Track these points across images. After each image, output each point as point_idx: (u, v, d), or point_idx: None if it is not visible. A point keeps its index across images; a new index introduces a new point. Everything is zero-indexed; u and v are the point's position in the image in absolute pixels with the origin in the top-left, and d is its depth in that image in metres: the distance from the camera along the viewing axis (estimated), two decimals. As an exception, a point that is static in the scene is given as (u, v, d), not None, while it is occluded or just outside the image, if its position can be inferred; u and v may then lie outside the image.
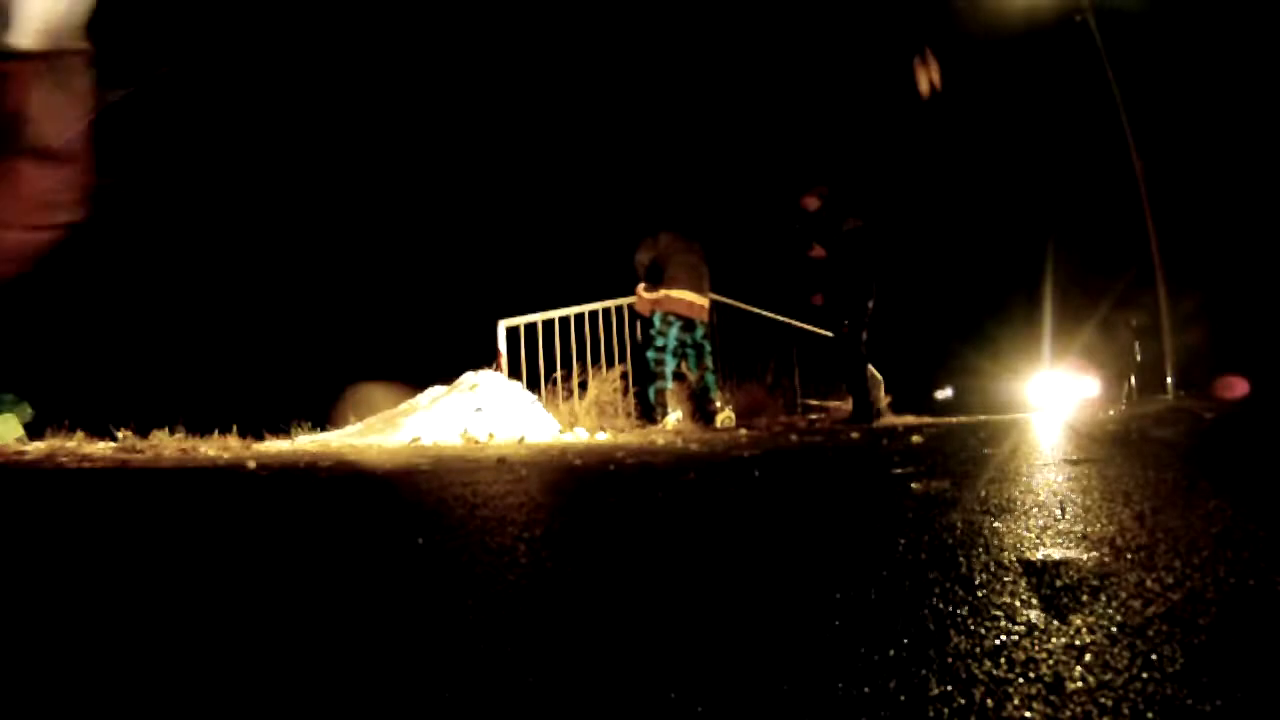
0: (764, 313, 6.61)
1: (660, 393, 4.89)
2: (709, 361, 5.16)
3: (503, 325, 4.55)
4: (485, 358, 4.36)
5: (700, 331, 5.09)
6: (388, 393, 3.95)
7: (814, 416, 5.78)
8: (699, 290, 5.05)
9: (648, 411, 4.96)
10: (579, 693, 0.46)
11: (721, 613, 0.63)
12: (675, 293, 4.92)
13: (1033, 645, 0.52)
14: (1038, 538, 0.88)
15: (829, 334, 5.49)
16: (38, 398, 3.16)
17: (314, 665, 0.52)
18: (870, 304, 5.06)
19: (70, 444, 2.69)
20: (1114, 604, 0.61)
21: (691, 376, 5.15)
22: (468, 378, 3.90)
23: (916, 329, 5.24)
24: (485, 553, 0.86)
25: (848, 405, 5.57)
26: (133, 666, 0.52)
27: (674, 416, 4.88)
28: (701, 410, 5.13)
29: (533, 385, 4.43)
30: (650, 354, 4.95)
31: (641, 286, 5.02)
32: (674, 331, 4.95)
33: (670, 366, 4.95)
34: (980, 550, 0.82)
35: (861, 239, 5.06)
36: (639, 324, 5.45)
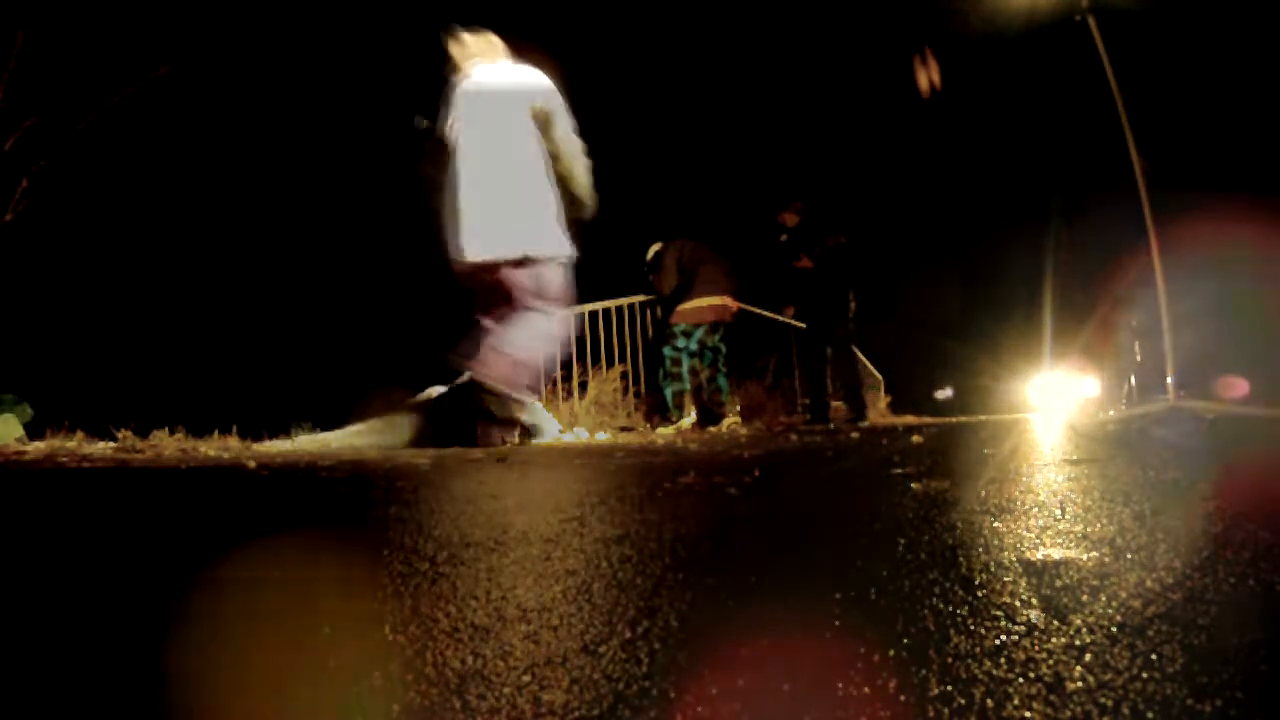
0: (764, 313, 6.61)
1: (679, 394, 4.89)
2: (723, 364, 5.18)
3: (502, 325, 4.54)
4: (485, 358, 4.35)
5: (722, 333, 5.11)
6: (388, 393, 3.95)
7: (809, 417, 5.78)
8: (729, 291, 5.08)
9: (660, 408, 4.96)
10: (578, 691, 0.46)
11: (721, 613, 0.63)
12: (715, 300, 4.96)
13: (1033, 645, 0.52)
14: (1038, 538, 0.88)
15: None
16: (38, 398, 3.16)
17: (312, 665, 0.52)
18: (852, 310, 5.32)
19: (70, 444, 2.69)
20: (1114, 604, 0.61)
21: (703, 376, 5.15)
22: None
23: (917, 329, 5.24)
24: (485, 552, 0.86)
25: (843, 404, 5.60)
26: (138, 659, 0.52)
27: (689, 419, 4.88)
28: (705, 411, 5.12)
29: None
30: (669, 351, 4.93)
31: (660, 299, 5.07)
32: (699, 333, 4.95)
33: (686, 366, 4.95)
34: (980, 550, 0.82)
35: (843, 253, 5.29)
36: (651, 317, 5.47)
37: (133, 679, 0.50)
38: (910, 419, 6.55)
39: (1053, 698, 0.44)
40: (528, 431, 2.92)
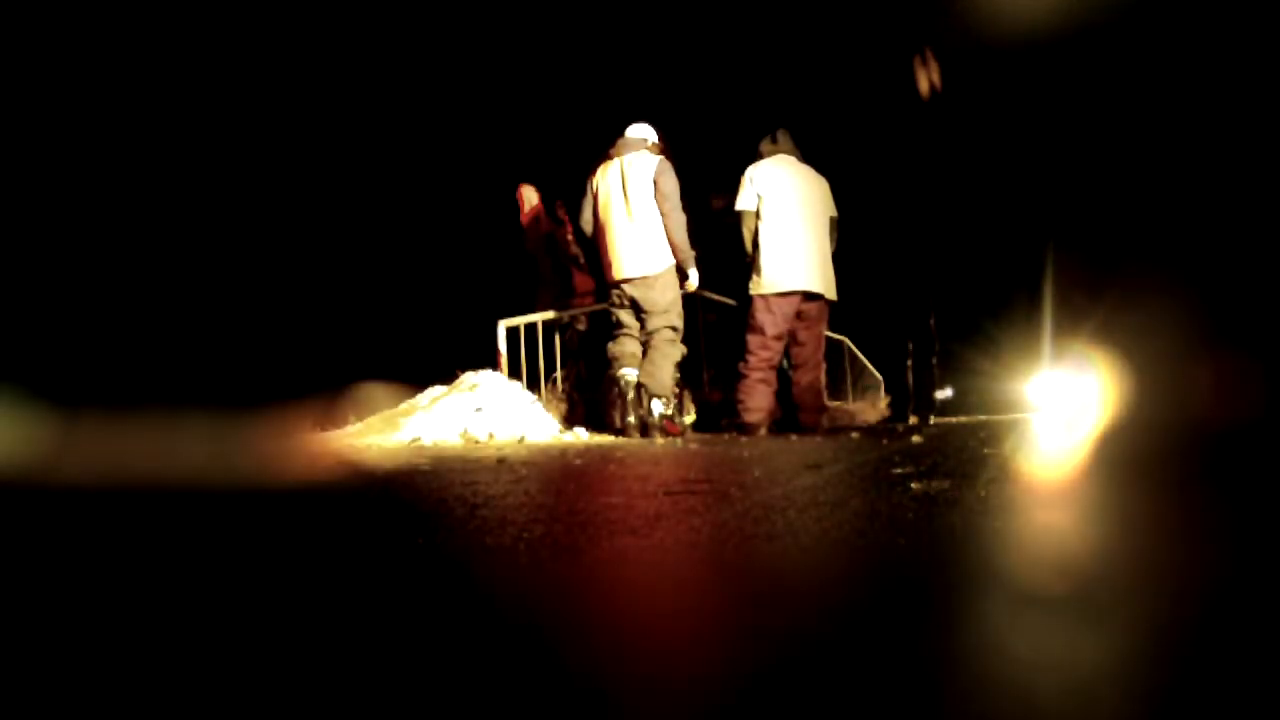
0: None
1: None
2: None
3: (503, 325, 4.55)
4: (485, 358, 4.36)
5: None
6: (388, 393, 3.95)
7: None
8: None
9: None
10: (576, 689, 0.46)
11: (720, 612, 0.63)
12: None
13: (1034, 645, 0.52)
14: (1038, 538, 0.88)
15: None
16: (34, 396, 3.16)
17: (313, 664, 0.52)
18: None
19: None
20: (1116, 604, 0.61)
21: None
22: (468, 378, 3.90)
23: (917, 328, 5.24)
24: (485, 553, 0.86)
25: (850, 405, 5.59)
26: (138, 661, 0.52)
27: (690, 417, 4.88)
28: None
29: (533, 385, 4.43)
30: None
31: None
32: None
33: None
34: (981, 550, 0.82)
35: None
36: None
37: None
38: (911, 419, 6.56)
39: (1053, 697, 0.44)
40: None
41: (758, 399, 3.94)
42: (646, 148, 3.91)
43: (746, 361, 3.98)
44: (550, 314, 4.81)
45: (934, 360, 5.22)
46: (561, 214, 5.48)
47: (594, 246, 4.08)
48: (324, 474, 1.81)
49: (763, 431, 3.90)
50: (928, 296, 5.16)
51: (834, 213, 4.15)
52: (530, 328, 4.63)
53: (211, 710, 0.45)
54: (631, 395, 3.81)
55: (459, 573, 0.78)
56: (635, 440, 3.51)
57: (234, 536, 1.03)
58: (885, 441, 2.78)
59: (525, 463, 2.02)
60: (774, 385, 4.02)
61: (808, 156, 4.17)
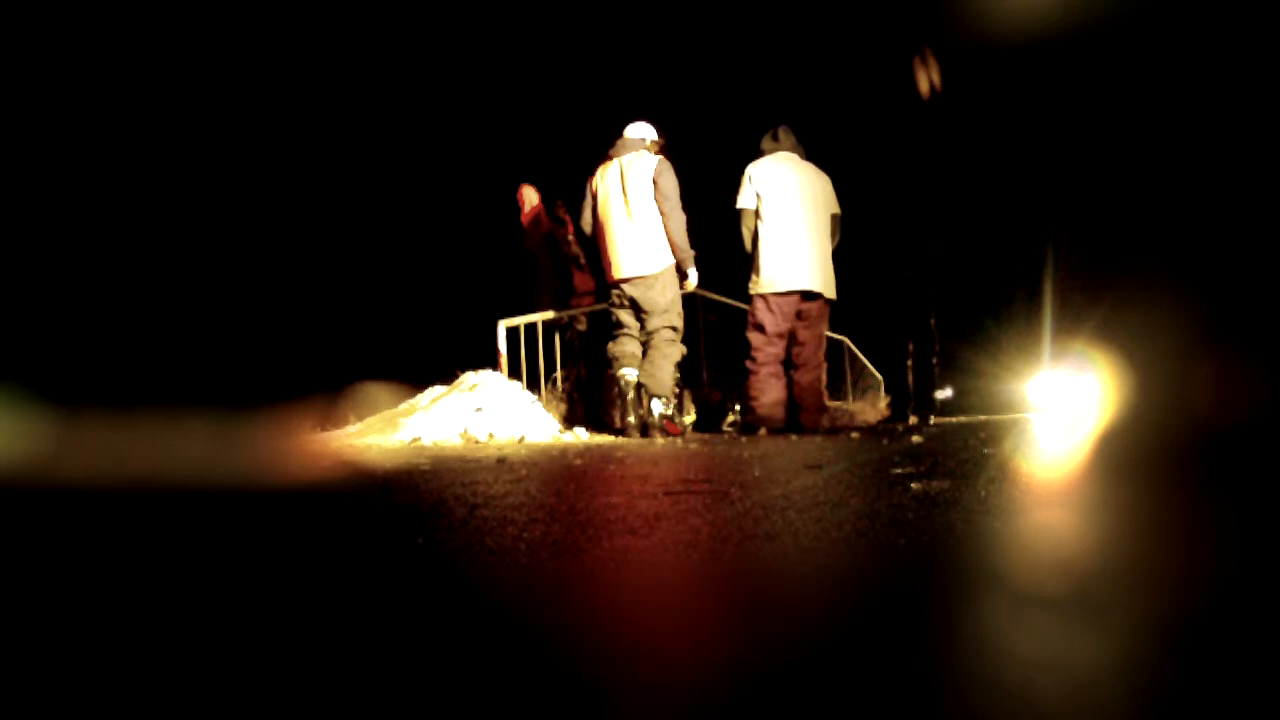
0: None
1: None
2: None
3: (503, 325, 4.55)
4: (485, 358, 4.36)
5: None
6: (388, 393, 3.96)
7: None
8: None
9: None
10: (576, 690, 0.46)
11: (720, 613, 0.63)
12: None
13: (1033, 645, 0.52)
14: (1037, 537, 0.88)
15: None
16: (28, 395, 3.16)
17: (313, 665, 0.52)
18: None
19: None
20: (1115, 603, 0.61)
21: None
22: (468, 378, 3.91)
23: (917, 328, 5.25)
24: (485, 552, 0.86)
25: (850, 405, 5.59)
26: (135, 661, 0.52)
27: (690, 417, 4.88)
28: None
29: (533, 385, 4.43)
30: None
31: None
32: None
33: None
34: (980, 550, 0.82)
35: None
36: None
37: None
38: (911, 419, 6.56)
39: (1053, 697, 0.44)
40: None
41: (770, 393, 3.93)
42: (646, 147, 3.92)
43: (753, 359, 3.97)
44: (550, 314, 4.81)
45: (934, 360, 5.21)
46: (561, 214, 5.48)
47: (594, 246, 4.08)
48: (324, 474, 1.81)
49: (763, 431, 3.89)
50: (928, 296, 5.16)
51: (836, 209, 4.14)
52: (530, 328, 4.63)
53: (211, 710, 0.45)
54: (631, 395, 3.81)
55: (459, 573, 0.78)
56: (635, 440, 3.51)
57: (234, 537, 1.03)
58: (885, 441, 2.78)
59: (525, 463, 2.02)
60: (783, 379, 4.01)
61: (809, 155, 4.16)
